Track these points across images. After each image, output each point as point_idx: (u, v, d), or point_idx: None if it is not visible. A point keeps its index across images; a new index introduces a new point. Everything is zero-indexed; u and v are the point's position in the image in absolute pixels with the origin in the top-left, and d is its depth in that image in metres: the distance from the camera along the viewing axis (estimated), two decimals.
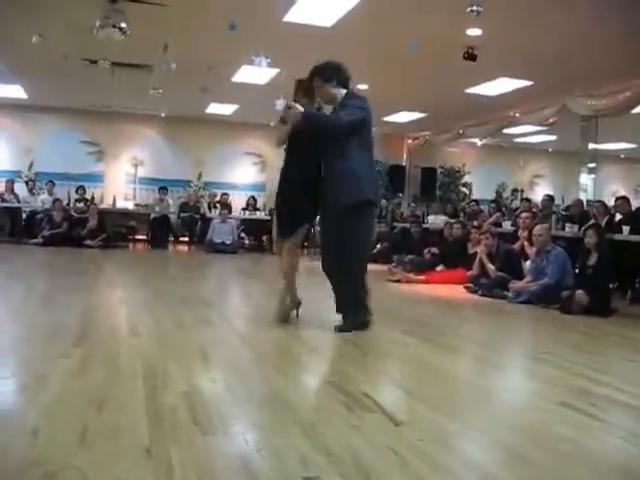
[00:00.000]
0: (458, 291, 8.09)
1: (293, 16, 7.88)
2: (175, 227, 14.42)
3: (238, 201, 15.55)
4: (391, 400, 3.00)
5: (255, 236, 14.44)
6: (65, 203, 13.58)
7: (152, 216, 14.07)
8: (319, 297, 5.48)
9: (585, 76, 9.85)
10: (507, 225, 10.32)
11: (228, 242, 13.05)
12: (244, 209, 14.64)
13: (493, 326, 5.85)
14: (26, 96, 13.99)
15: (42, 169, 15.29)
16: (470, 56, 8.75)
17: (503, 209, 12.67)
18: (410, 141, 17.74)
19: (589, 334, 5.47)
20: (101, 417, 2.52)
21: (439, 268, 9.47)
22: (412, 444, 2.38)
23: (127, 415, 2.55)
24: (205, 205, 14.72)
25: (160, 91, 11.54)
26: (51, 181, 14.25)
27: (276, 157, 15.41)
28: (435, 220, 13.04)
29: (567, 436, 2.59)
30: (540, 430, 2.66)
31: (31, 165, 15.42)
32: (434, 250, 10.07)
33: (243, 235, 14.28)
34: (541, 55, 8.99)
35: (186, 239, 14.34)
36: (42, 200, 13.66)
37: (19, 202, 13.57)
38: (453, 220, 11.03)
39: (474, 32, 8.15)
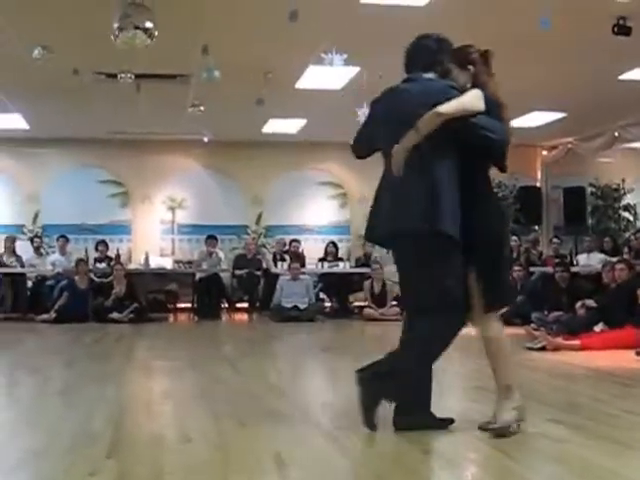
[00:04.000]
0: (628, 359, 7.89)
1: None
2: (229, 289, 14.60)
3: (313, 250, 15.73)
4: None
5: (338, 296, 14.48)
6: None
7: (198, 276, 14.34)
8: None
9: None
10: None
11: (302, 306, 13.13)
12: (322, 260, 14.74)
13: None
14: (27, 126, 14.54)
15: (51, 221, 15.87)
16: (622, 29, 8.68)
17: None
18: (546, 152, 17.61)
19: None
20: None
21: (598, 328, 9.31)
22: None
23: None
24: (269, 257, 14.91)
25: (201, 108, 11.79)
26: (63, 236, 14.64)
27: (361, 186, 15.46)
28: (588, 260, 12.86)
29: None
30: None
31: (36, 216, 16.01)
32: (590, 303, 9.92)
33: (322, 295, 14.40)
34: None
35: (245, 305, 14.52)
36: (53, 262, 14.05)
37: (23, 266, 14.00)
38: (615, 259, 10.85)
39: None
